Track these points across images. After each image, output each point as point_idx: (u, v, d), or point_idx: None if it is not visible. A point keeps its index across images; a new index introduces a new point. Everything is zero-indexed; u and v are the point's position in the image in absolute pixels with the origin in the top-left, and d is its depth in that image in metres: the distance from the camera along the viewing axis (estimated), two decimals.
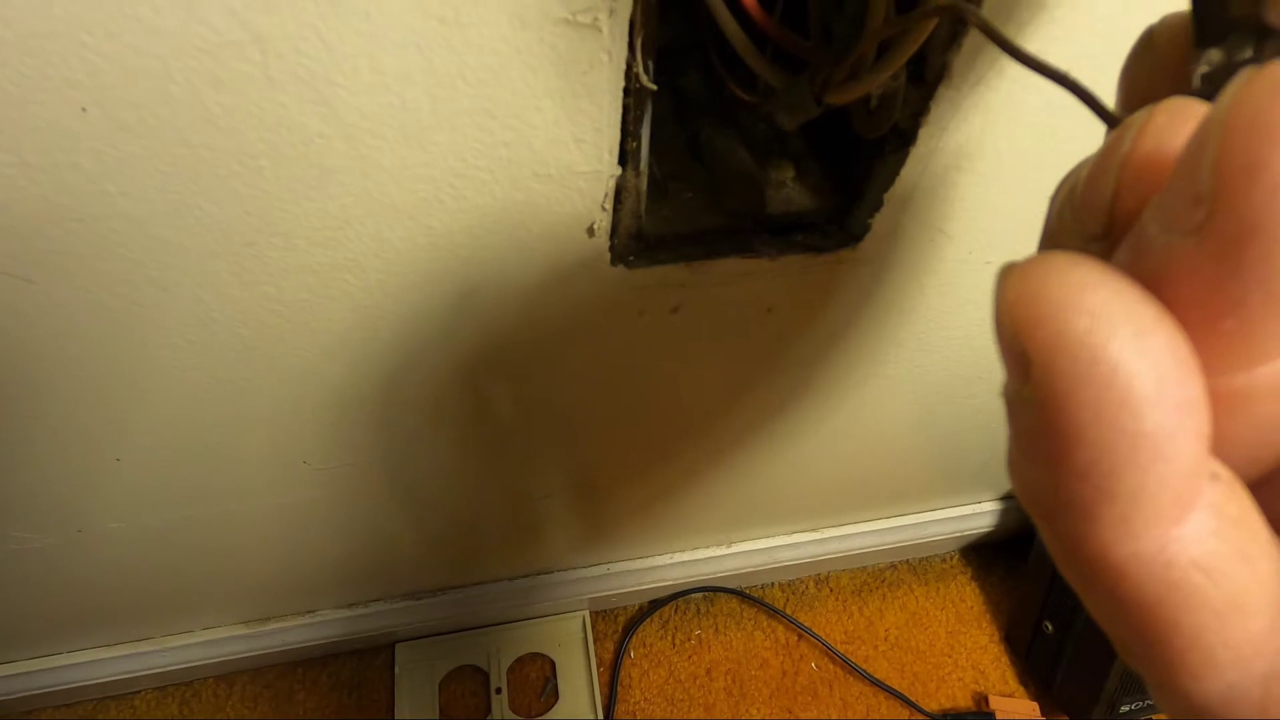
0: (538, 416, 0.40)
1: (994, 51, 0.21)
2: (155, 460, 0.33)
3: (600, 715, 0.60)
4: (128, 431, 0.32)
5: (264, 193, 0.20)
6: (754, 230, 0.28)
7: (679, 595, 0.66)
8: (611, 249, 0.26)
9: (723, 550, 0.63)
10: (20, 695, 0.55)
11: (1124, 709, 0.58)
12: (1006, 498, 0.67)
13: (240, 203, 0.20)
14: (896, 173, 0.25)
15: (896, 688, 0.63)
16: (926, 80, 0.22)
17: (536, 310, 0.28)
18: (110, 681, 0.57)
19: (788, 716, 0.62)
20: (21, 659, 0.53)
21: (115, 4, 0.16)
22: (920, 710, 0.62)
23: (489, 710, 0.61)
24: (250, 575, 0.49)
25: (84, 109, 0.18)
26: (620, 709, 0.62)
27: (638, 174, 0.24)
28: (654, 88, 0.19)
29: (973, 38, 0.21)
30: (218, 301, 0.25)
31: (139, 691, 0.60)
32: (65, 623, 0.51)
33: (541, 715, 0.61)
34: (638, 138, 0.22)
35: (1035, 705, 0.62)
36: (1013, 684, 0.65)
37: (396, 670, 0.62)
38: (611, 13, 0.18)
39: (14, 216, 0.20)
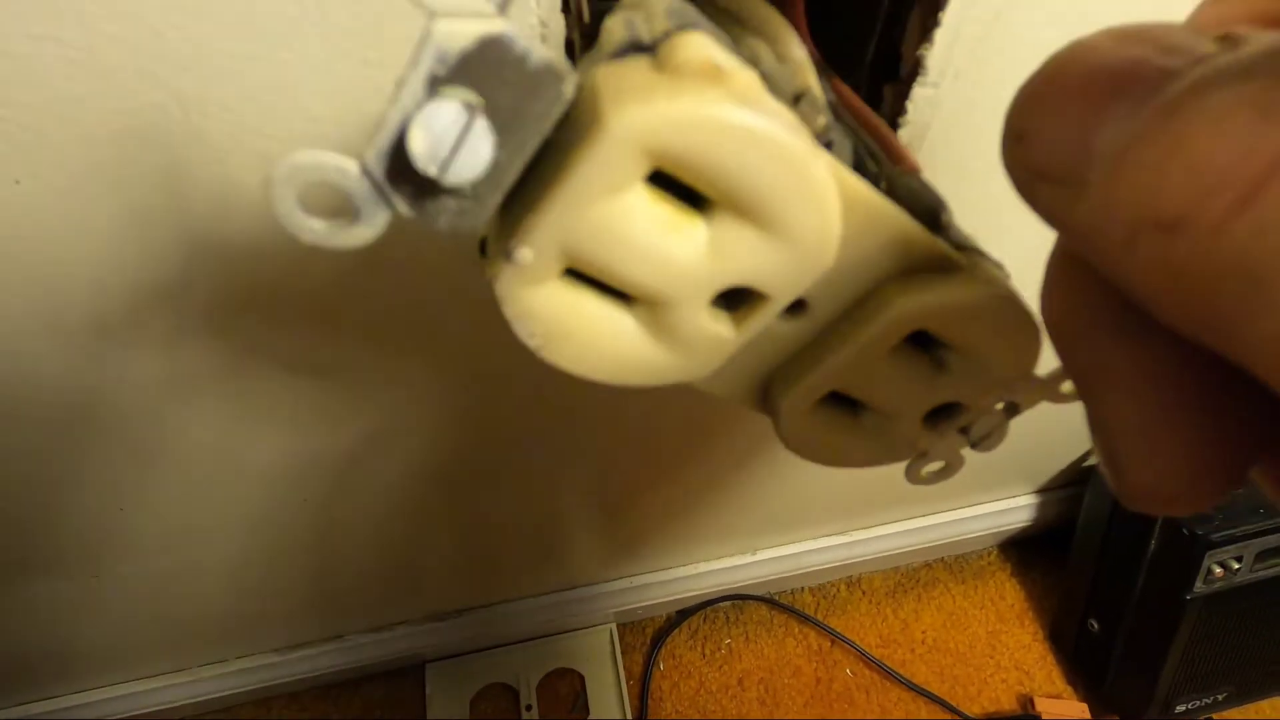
0: (555, 428, 0.39)
1: (971, 42, 0.20)
2: (157, 505, 0.33)
3: None
4: (130, 481, 0.32)
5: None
6: None
7: (706, 605, 0.65)
8: None
9: (747, 558, 0.62)
10: None
11: (1180, 708, 0.55)
12: (1044, 490, 0.64)
13: (194, 258, 0.20)
14: None
15: (936, 692, 0.61)
16: (900, 78, 0.20)
17: None
18: (149, 713, 0.58)
19: None
20: (62, 694, 0.54)
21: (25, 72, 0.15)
22: (962, 715, 0.60)
23: None
24: (271, 606, 0.50)
25: (17, 181, 0.17)
26: None
27: None
28: None
29: (945, 31, 0.19)
30: (196, 351, 0.25)
31: None
32: (100, 659, 0.52)
33: None
34: None
35: (1084, 706, 0.59)
36: (1059, 684, 0.62)
37: (428, 690, 0.62)
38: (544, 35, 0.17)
39: None
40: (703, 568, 0.62)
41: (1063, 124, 0.08)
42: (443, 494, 0.43)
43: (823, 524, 0.62)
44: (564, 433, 0.40)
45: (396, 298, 0.25)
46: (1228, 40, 0.07)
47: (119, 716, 0.57)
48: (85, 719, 0.56)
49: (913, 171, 0.14)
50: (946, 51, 0.20)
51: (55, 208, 0.18)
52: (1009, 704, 0.61)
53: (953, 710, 0.60)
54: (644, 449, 0.45)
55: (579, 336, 0.11)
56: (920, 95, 0.20)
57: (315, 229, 0.09)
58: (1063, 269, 0.10)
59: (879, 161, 0.14)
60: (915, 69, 0.20)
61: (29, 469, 0.29)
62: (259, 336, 0.25)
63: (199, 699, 0.58)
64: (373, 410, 0.32)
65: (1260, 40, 0.07)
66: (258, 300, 0.23)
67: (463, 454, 0.39)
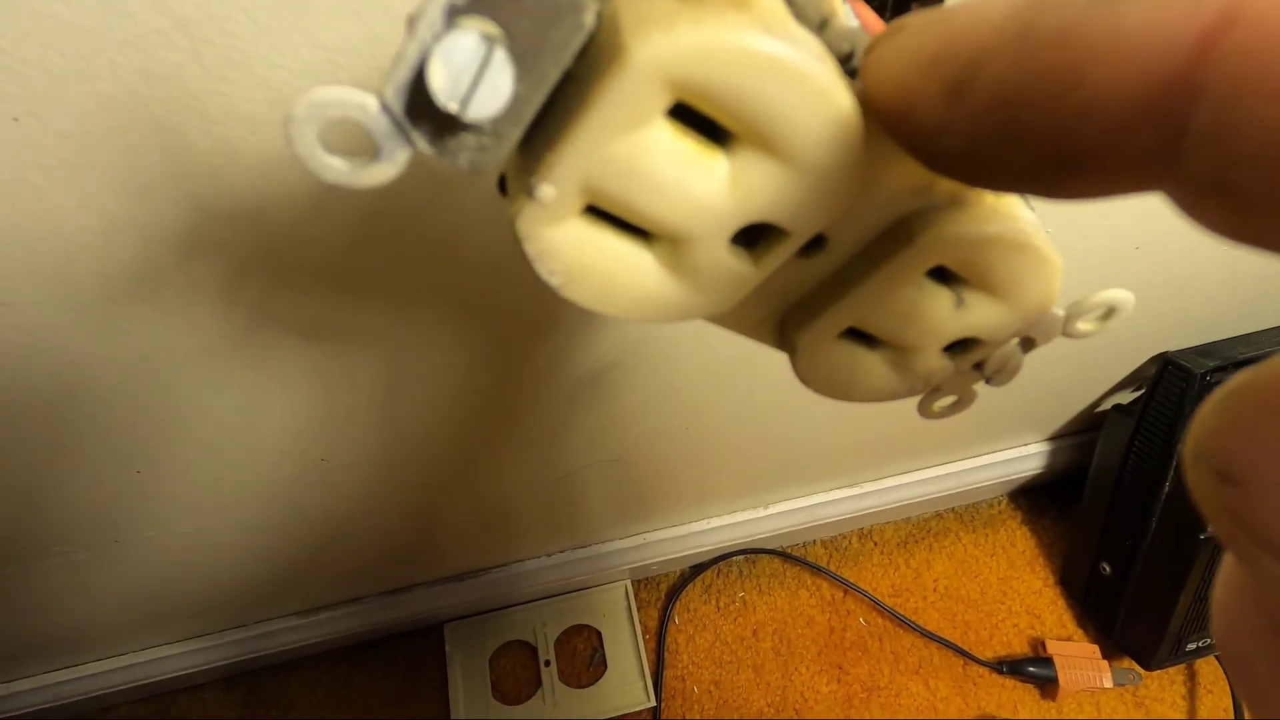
0: (568, 387, 0.39)
1: None
2: (174, 470, 0.33)
3: (649, 682, 0.61)
4: (146, 444, 0.32)
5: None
6: None
7: (719, 559, 0.65)
8: None
9: (760, 512, 0.62)
10: (95, 694, 0.57)
11: (1190, 647, 0.56)
12: (1055, 438, 0.65)
13: (200, 207, 0.19)
14: None
15: (949, 638, 0.62)
16: (925, 5, 0.20)
17: None
18: (178, 675, 0.59)
19: (838, 673, 0.62)
20: (87, 661, 0.55)
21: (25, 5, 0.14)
22: (975, 659, 0.61)
23: (539, 683, 0.62)
24: (291, 570, 0.50)
25: (15, 119, 0.17)
26: (669, 674, 0.62)
27: None
28: None
29: None
30: (208, 313, 0.24)
31: (206, 684, 0.62)
32: (124, 624, 0.52)
33: (591, 685, 0.62)
34: None
35: (1095, 648, 0.60)
36: (1071, 628, 0.63)
37: (448, 649, 0.63)
38: None
39: None
40: (715, 523, 0.62)
41: None
42: (458, 454, 0.43)
43: (834, 476, 0.62)
44: (577, 392, 0.40)
45: (412, 253, 0.24)
46: None
47: (142, 682, 0.58)
48: (108, 686, 0.57)
49: None
50: None
51: (57, 150, 0.17)
52: (1021, 648, 0.62)
53: (966, 655, 0.61)
54: (656, 407, 0.44)
55: (599, 274, 0.11)
56: None
57: (336, 168, 0.09)
58: (1241, 600, 0.08)
59: None
60: None
61: (43, 432, 0.28)
62: (272, 291, 0.24)
63: (223, 663, 0.59)
64: (389, 370, 0.31)
65: None
66: (270, 250, 0.22)
67: (477, 413, 0.39)
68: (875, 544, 0.67)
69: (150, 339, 0.25)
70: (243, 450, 0.33)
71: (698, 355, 0.40)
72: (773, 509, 0.62)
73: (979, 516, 0.69)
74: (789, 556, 0.66)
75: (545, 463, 0.47)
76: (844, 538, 0.68)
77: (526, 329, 0.32)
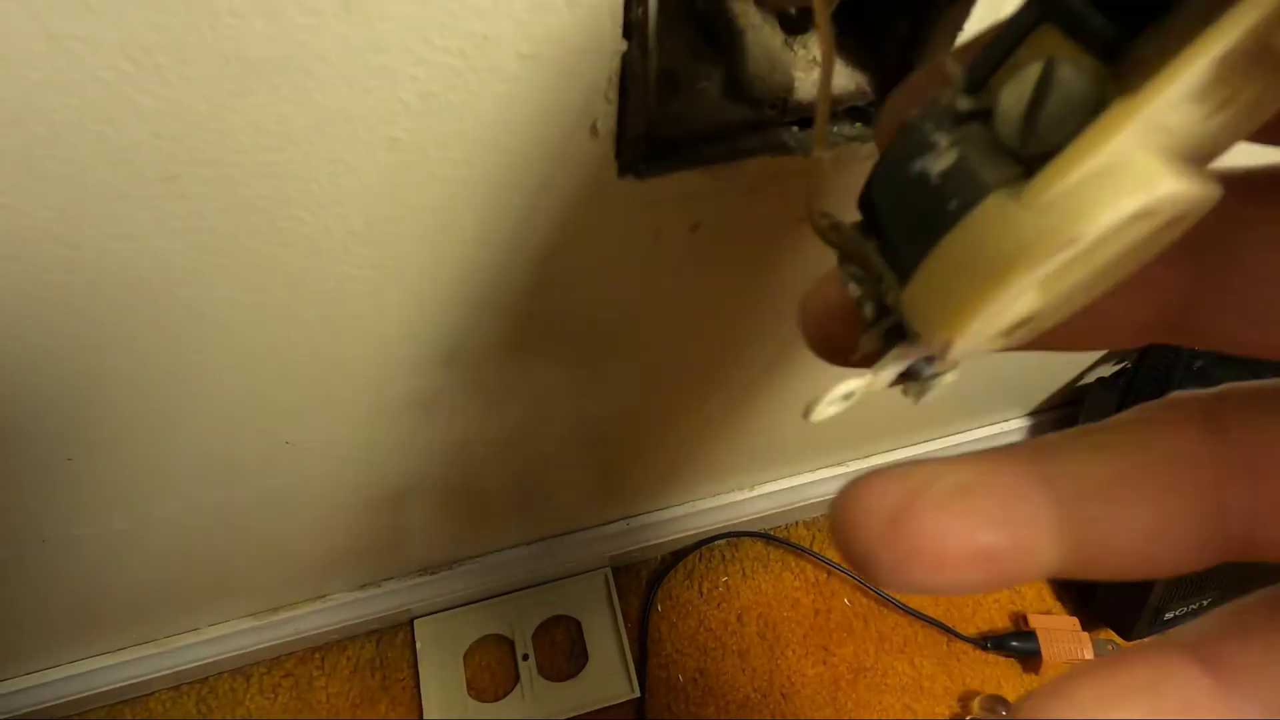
0: (538, 363, 0.36)
1: None
2: (114, 459, 0.29)
3: (632, 672, 0.58)
4: (82, 429, 0.27)
5: (171, 102, 0.15)
6: (783, 122, 0.23)
7: (701, 544, 0.64)
8: (618, 155, 0.21)
9: (745, 494, 0.60)
10: (29, 709, 0.52)
11: (1168, 616, 0.56)
12: (1035, 413, 0.65)
13: (144, 120, 0.16)
14: (956, 31, 0.21)
15: (932, 615, 0.61)
16: None
17: (531, 237, 0.24)
18: (119, 687, 0.54)
19: (824, 655, 0.61)
20: (20, 674, 0.50)
21: None
22: (959, 636, 0.60)
23: (517, 678, 0.59)
24: (249, 567, 0.46)
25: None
26: (652, 663, 0.60)
27: (645, 54, 0.19)
28: None
29: None
30: (145, 257, 0.20)
31: (152, 693, 0.57)
32: (61, 633, 0.47)
33: (572, 677, 0.59)
34: (644, 3, 0.18)
35: (1075, 620, 0.60)
36: (1049, 601, 0.63)
37: (418, 646, 0.59)
38: None
39: None
40: (699, 506, 0.60)
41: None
42: (435, 445, 0.39)
43: (821, 456, 0.61)
44: (555, 374, 0.37)
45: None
46: None
47: (84, 693, 0.53)
48: (41, 701, 0.52)
49: None
50: None
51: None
52: (1003, 623, 0.62)
53: (950, 632, 0.61)
54: (640, 388, 0.42)
55: None
56: None
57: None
58: None
59: None
60: None
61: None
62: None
63: (168, 671, 0.55)
64: (359, 323, 0.28)
65: None
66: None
67: (452, 394, 0.36)
68: None
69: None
70: (222, 424, 0.29)
71: (681, 331, 0.37)
72: (758, 490, 0.61)
73: None
74: (772, 539, 0.65)
75: (525, 444, 0.44)
76: (827, 519, 0.67)
77: (519, 295, 0.29)
